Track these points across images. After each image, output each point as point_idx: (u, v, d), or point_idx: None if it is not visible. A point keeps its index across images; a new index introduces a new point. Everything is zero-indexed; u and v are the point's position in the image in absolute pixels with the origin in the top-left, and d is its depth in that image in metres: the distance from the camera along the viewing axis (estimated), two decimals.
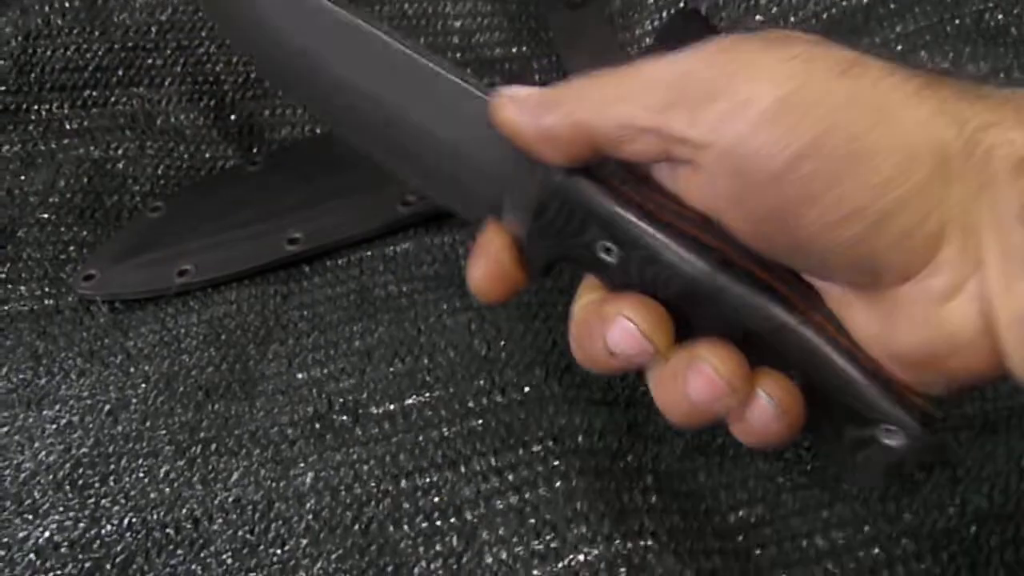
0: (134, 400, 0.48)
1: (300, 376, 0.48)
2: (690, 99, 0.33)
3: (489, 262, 0.40)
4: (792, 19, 0.62)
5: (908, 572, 0.40)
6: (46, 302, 0.54)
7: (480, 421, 0.45)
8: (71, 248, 0.56)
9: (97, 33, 0.61)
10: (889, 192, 0.30)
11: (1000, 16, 0.57)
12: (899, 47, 0.57)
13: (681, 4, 0.65)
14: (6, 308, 0.54)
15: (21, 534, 0.43)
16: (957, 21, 0.57)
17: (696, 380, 0.35)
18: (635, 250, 0.37)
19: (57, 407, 0.48)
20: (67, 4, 0.61)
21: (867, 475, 0.35)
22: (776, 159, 0.31)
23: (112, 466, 0.45)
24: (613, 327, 0.36)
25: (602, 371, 0.39)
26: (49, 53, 0.61)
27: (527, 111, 0.37)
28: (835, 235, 0.32)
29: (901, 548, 0.40)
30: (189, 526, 0.43)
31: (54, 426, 0.48)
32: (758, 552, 0.40)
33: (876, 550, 0.40)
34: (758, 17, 0.63)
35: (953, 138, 0.30)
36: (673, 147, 0.34)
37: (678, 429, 0.40)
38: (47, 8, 0.61)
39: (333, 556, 0.41)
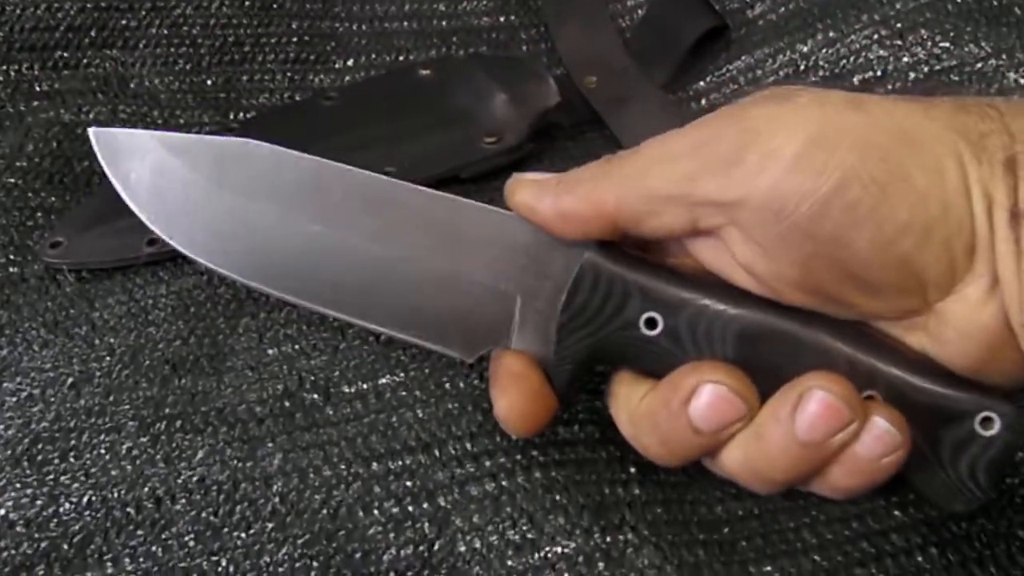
0: (98, 373, 0.46)
1: (271, 352, 0.46)
2: (716, 163, 0.34)
3: (515, 389, 0.38)
4: None
5: (897, 566, 0.38)
6: (11, 270, 0.52)
7: (457, 404, 0.43)
8: (38, 215, 0.54)
9: None
10: (928, 204, 0.33)
11: None
12: (898, 24, 0.55)
13: None
14: None
15: None
16: None
17: (811, 409, 0.34)
18: (682, 311, 0.36)
19: (18, 379, 0.47)
20: None
21: (973, 484, 0.35)
22: (819, 192, 0.33)
23: (73, 442, 0.44)
24: (697, 398, 0.35)
25: (678, 459, 0.37)
26: (19, 12, 0.58)
27: (545, 192, 0.38)
28: (887, 255, 0.33)
29: (890, 543, 0.39)
30: (151, 505, 0.41)
31: (14, 399, 0.46)
32: (743, 544, 0.39)
33: (864, 544, 0.39)
34: None
35: (965, 149, 0.33)
36: (702, 215, 0.35)
37: (771, 493, 0.38)
38: None
39: (299, 541, 0.39)
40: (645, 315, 0.37)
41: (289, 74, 0.61)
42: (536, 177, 0.39)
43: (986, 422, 0.34)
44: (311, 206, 0.41)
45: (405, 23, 0.64)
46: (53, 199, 0.55)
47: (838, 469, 0.35)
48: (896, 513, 0.40)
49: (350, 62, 0.62)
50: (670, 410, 0.36)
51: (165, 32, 0.60)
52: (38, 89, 0.59)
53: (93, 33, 0.60)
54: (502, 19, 0.64)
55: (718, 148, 0.34)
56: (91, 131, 0.46)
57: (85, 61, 0.59)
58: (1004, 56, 0.53)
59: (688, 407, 0.35)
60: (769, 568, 0.38)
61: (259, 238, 0.42)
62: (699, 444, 0.36)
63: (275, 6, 0.62)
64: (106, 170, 0.45)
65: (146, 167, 0.44)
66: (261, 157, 0.42)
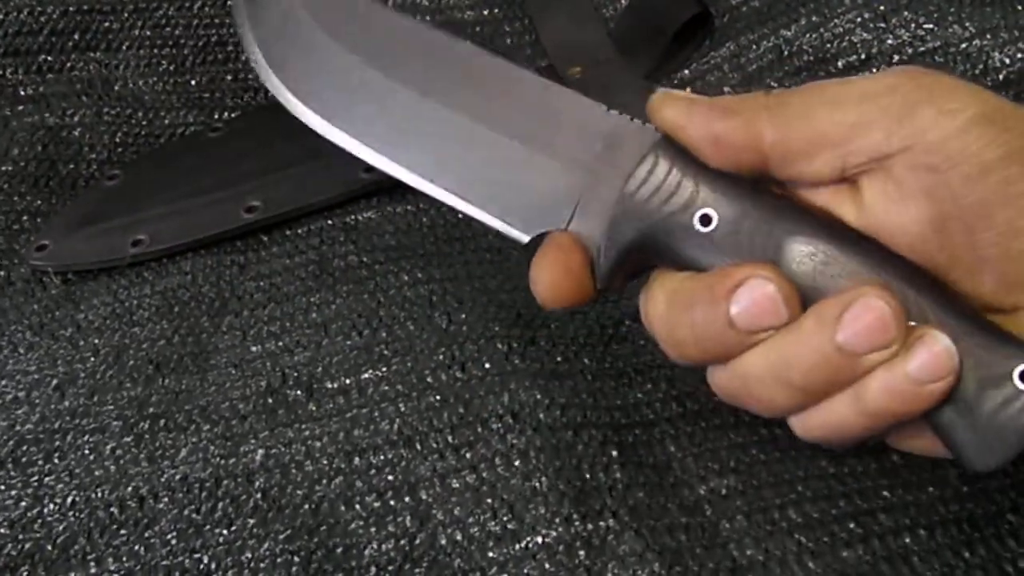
0: (82, 374, 0.46)
1: (254, 349, 0.46)
2: (887, 114, 0.34)
3: (559, 264, 0.38)
4: None
5: (885, 547, 0.38)
6: None
7: (438, 397, 0.43)
8: (24, 218, 0.55)
9: None
10: None
11: None
12: (881, 7, 0.55)
13: None
14: None
15: None
16: None
17: (859, 314, 0.33)
18: (740, 213, 0.36)
19: (3, 382, 0.47)
20: None
21: (1003, 438, 0.34)
22: (983, 157, 0.33)
23: (57, 443, 0.44)
24: (742, 291, 0.35)
25: (701, 354, 0.37)
26: (2, 17, 0.59)
27: (698, 113, 0.37)
28: (1017, 242, 0.33)
29: (878, 523, 0.38)
30: (134, 505, 0.41)
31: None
32: (726, 525, 0.38)
33: (852, 524, 0.38)
34: None
35: None
36: (854, 163, 0.35)
37: (784, 409, 0.37)
38: None
39: (281, 536, 0.39)
40: (702, 211, 0.36)
41: None
42: (686, 95, 0.38)
43: None
44: (415, 69, 0.42)
45: None
46: (39, 202, 0.55)
47: (877, 385, 0.34)
48: (885, 493, 0.39)
49: None
50: (712, 298, 0.35)
51: (148, 34, 0.60)
52: (23, 93, 0.59)
53: (76, 36, 0.60)
54: (486, 12, 0.64)
55: (891, 99, 0.34)
56: None
57: (69, 64, 0.60)
58: (988, 36, 0.53)
59: (731, 298, 0.35)
60: (752, 551, 0.37)
61: (358, 91, 0.43)
62: (729, 341, 0.36)
63: None
64: (237, 15, 0.46)
65: (277, 12, 0.45)
66: (377, 18, 0.44)
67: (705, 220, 0.36)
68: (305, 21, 0.44)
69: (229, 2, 0.61)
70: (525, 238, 0.40)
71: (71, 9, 0.59)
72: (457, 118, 0.41)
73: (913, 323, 0.34)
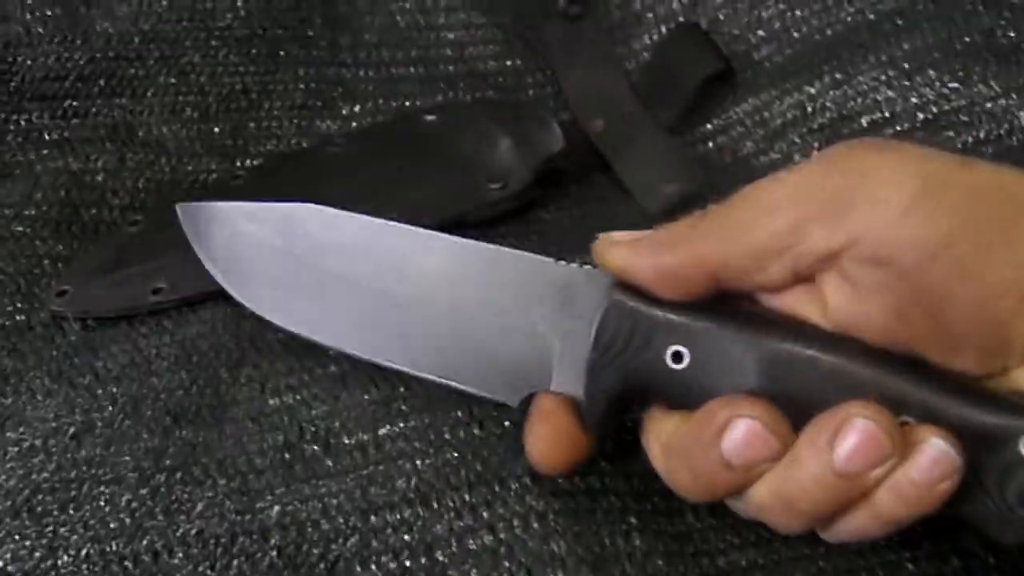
0: (99, 423, 0.46)
1: (272, 402, 0.46)
2: (822, 210, 0.34)
3: (549, 429, 0.39)
4: (795, 34, 0.60)
5: None
6: (18, 318, 0.52)
7: (456, 454, 0.42)
8: (46, 263, 0.55)
9: (79, 42, 0.60)
10: None
11: (1012, 33, 0.55)
12: (906, 65, 0.55)
13: (680, 19, 0.63)
14: None
15: None
16: (967, 39, 0.55)
17: (851, 439, 0.33)
18: (707, 343, 0.36)
19: (20, 429, 0.47)
20: (48, 12, 0.59)
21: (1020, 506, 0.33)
22: (928, 243, 0.33)
23: (73, 493, 0.43)
24: (730, 433, 0.34)
25: (708, 494, 0.37)
26: (29, 62, 0.59)
27: (642, 251, 0.37)
28: (984, 313, 0.33)
29: None
30: (148, 559, 0.41)
31: (16, 449, 0.46)
32: None
33: None
34: (760, 32, 0.61)
35: None
36: (805, 264, 0.35)
37: (798, 530, 0.37)
38: (28, 16, 0.59)
39: None
40: (671, 349, 0.37)
41: (296, 120, 0.61)
42: (626, 237, 0.38)
43: None
44: (366, 264, 0.43)
45: (412, 68, 0.64)
46: (60, 247, 0.55)
47: (887, 496, 0.34)
48: (909, 566, 0.39)
49: (356, 108, 0.62)
50: (702, 444, 0.35)
51: (173, 81, 0.61)
52: (47, 138, 0.59)
53: (102, 82, 0.60)
54: (508, 63, 0.64)
55: (823, 194, 0.34)
56: (177, 207, 0.49)
57: (94, 110, 0.60)
58: (1014, 95, 0.52)
59: (721, 441, 0.35)
60: None
61: (320, 296, 0.44)
62: (730, 480, 0.35)
63: (281, 53, 0.63)
64: (190, 240, 0.48)
65: (224, 233, 0.47)
66: (324, 219, 0.45)
67: (677, 357, 0.37)
68: (253, 236, 0.46)
69: (253, 50, 0.62)
70: (515, 403, 0.41)
71: (97, 56, 0.60)
72: (420, 304, 0.42)
73: (908, 419, 0.34)
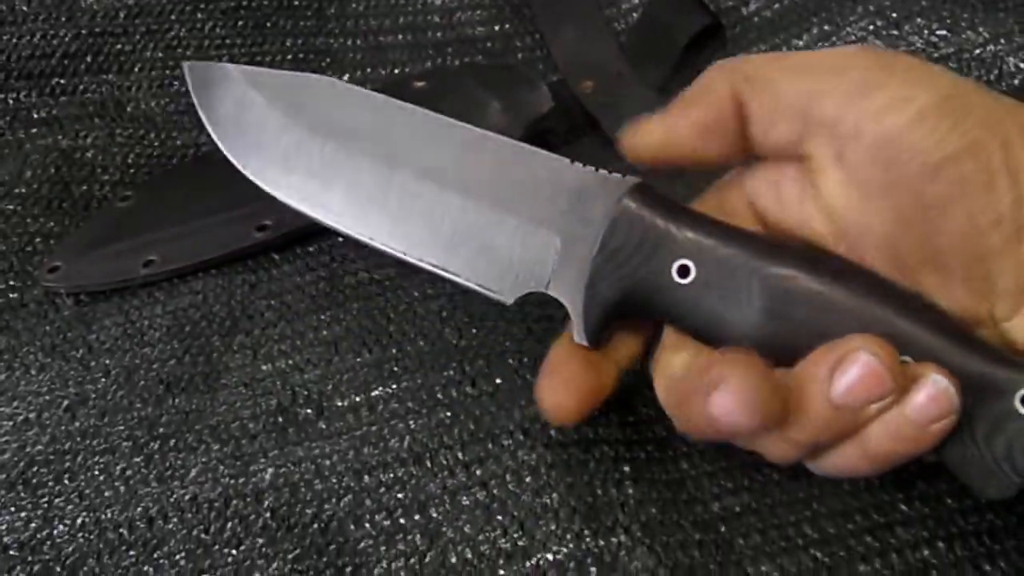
0: (93, 395, 0.46)
1: (265, 368, 0.46)
2: (843, 88, 0.34)
3: (562, 379, 0.38)
4: None
5: (902, 562, 0.37)
6: (11, 295, 0.52)
7: (448, 413, 0.42)
8: (37, 240, 0.55)
9: (64, 19, 0.60)
10: None
11: None
12: (894, 14, 0.54)
13: None
14: None
15: None
16: None
17: (852, 372, 0.32)
18: (716, 260, 0.36)
19: (15, 403, 0.47)
20: None
21: (1009, 467, 0.33)
22: (935, 153, 0.32)
23: (67, 464, 0.44)
24: (719, 393, 0.33)
25: (707, 438, 0.37)
26: (15, 40, 0.59)
27: (672, 111, 0.38)
28: (973, 243, 0.33)
29: (895, 537, 0.38)
30: (143, 525, 0.41)
31: (10, 423, 0.46)
32: (741, 542, 0.38)
33: (868, 538, 0.38)
34: None
35: None
36: (813, 135, 0.35)
37: (793, 459, 0.37)
38: None
39: (290, 556, 0.39)
40: (678, 262, 0.36)
41: None
42: (648, 119, 0.39)
43: None
44: (374, 142, 0.42)
45: (400, 36, 0.63)
46: (52, 224, 0.55)
47: (880, 431, 0.33)
48: (902, 507, 0.39)
49: (345, 77, 0.62)
50: (697, 396, 0.34)
51: (160, 55, 0.60)
52: (36, 116, 0.59)
53: (89, 59, 0.60)
54: (497, 28, 0.63)
55: (850, 75, 0.34)
56: (184, 64, 0.48)
57: (82, 87, 0.60)
58: (1003, 40, 0.52)
59: (711, 402, 0.33)
60: (767, 567, 0.37)
61: (323, 170, 0.43)
62: (717, 432, 0.35)
63: (269, 25, 0.62)
64: (195, 100, 0.47)
65: (230, 98, 0.46)
66: (333, 93, 0.44)
67: (683, 271, 0.36)
68: (259, 103, 0.45)
69: (240, 22, 0.61)
70: (510, 301, 0.39)
71: (83, 32, 0.60)
72: (425, 187, 0.41)
73: (908, 359, 0.33)
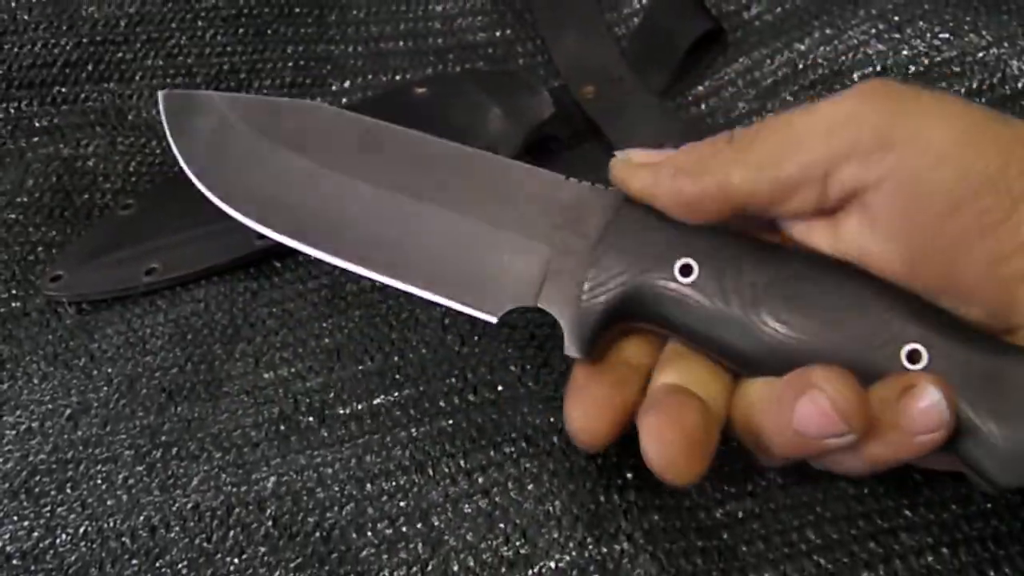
0: (95, 404, 0.46)
1: (267, 376, 0.46)
2: (858, 149, 0.33)
3: (591, 396, 0.37)
4: None
5: (906, 567, 0.37)
6: (13, 304, 0.52)
7: (451, 421, 0.42)
8: (39, 249, 0.55)
9: (65, 28, 0.59)
10: None
11: None
12: (896, 18, 0.54)
13: None
14: None
15: None
16: None
17: (806, 408, 0.33)
18: (720, 258, 0.35)
19: (18, 412, 0.47)
20: None
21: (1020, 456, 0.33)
22: (956, 191, 0.32)
23: (70, 473, 0.44)
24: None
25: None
26: (16, 50, 0.59)
27: (665, 178, 0.36)
28: (996, 271, 0.33)
29: (899, 543, 0.38)
30: (145, 534, 0.41)
31: (13, 432, 0.46)
32: (744, 549, 0.38)
33: (872, 544, 0.38)
34: None
35: None
36: (832, 196, 0.34)
37: (776, 466, 0.38)
38: (13, 3, 0.59)
39: (292, 565, 0.39)
40: (681, 262, 0.36)
41: (286, 97, 0.61)
42: (646, 158, 0.37)
43: None
44: (356, 164, 0.42)
45: (400, 43, 0.63)
46: (54, 233, 0.55)
47: (873, 440, 0.33)
48: (906, 512, 0.39)
49: (347, 84, 0.62)
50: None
51: (161, 63, 0.60)
52: (37, 125, 0.59)
53: (90, 67, 0.60)
54: (498, 34, 0.63)
55: (859, 131, 0.33)
56: (160, 94, 0.47)
57: (83, 96, 0.60)
58: (1006, 44, 0.52)
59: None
60: (770, 574, 0.37)
61: (304, 195, 0.42)
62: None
63: (270, 32, 0.62)
64: (167, 130, 0.46)
65: (209, 126, 0.45)
66: (319, 117, 0.43)
67: (686, 271, 0.36)
68: (241, 131, 0.44)
69: (240, 29, 0.61)
70: (494, 319, 0.39)
71: (84, 41, 0.60)
72: (413, 207, 0.40)
73: (916, 346, 0.33)
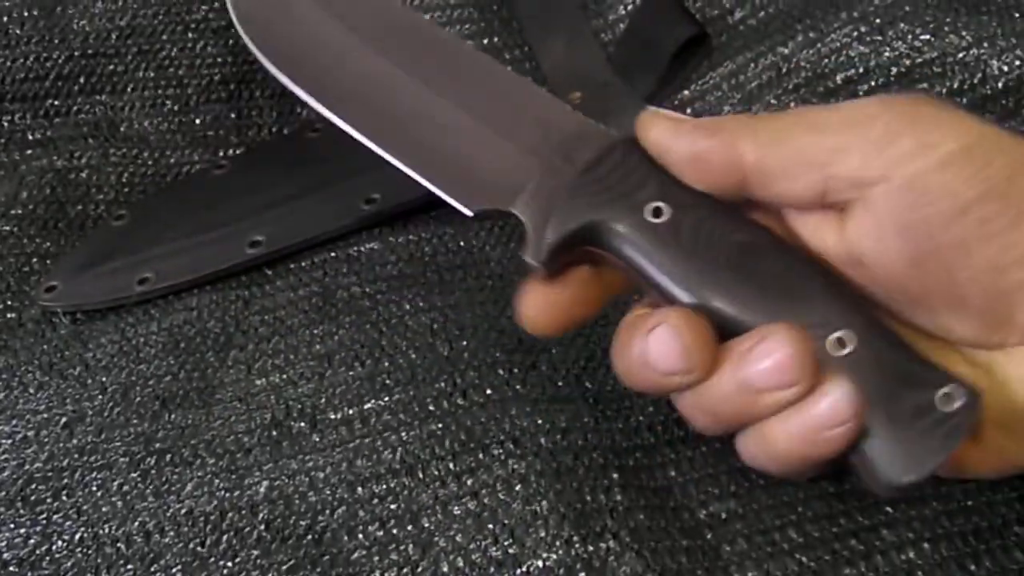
0: (90, 412, 0.47)
1: (259, 382, 0.47)
2: (867, 141, 0.34)
3: (542, 301, 0.39)
4: None
5: (888, 562, 0.38)
6: (8, 315, 0.53)
7: (440, 424, 0.43)
8: (34, 260, 0.55)
9: (56, 41, 0.60)
10: None
11: None
12: (877, 20, 0.55)
13: None
14: None
15: None
16: None
17: (763, 353, 0.34)
18: (692, 208, 0.37)
19: (14, 422, 0.47)
20: (25, 13, 0.60)
21: (918, 455, 0.33)
22: (961, 196, 0.33)
23: (65, 480, 0.44)
24: (655, 334, 0.35)
25: (639, 387, 0.37)
26: (8, 63, 0.60)
27: (683, 132, 0.37)
28: (996, 280, 0.33)
29: (880, 539, 0.38)
30: (140, 540, 0.41)
31: (9, 441, 0.46)
32: (727, 548, 0.38)
33: (853, 541, 0.38)
34: None
35: None
36: (834, 187, 0.35)
37: (710, 432, 0.38)
38: (4, 18, 0.59)
39: (284, 567, 0.39)
40: (653, 203, 0.37)
41: (276, 109, 0.62)
42: (672, 115, 0.38)
43: (946, 398, 0.33)
44: (384, 41, 0.43)
45: None
46: (48, 244, 0.56)
47: (778, 426, 0.34)
48: (887, 509, 0.39)
49: None
50: (631, 336, 0.36)
51: (152, 75, 0.61)
52: (31, 138, 0.60)
53: (82, 80, 0.61)
54: (485, 41, 0.64)
55: (872, 127, 0.34)
56: None
57: (76, 108, 0.61)
58: (986, 44, 0.52)
59: (646, 341, 0.35)
60: (753, 573, 0.37)
61: (332, 59, 0.44)
62: (651, 380, 0.36)
63: None
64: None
65: None
66: None
67: (657, 212, 0.37)
68: None
69: (231, 41, 0.62)
70: (470, 212, 0.40)
71: (76, 54, 0.60)
72: (425, 90, 0.42)
73: (841, 334, 0.34)
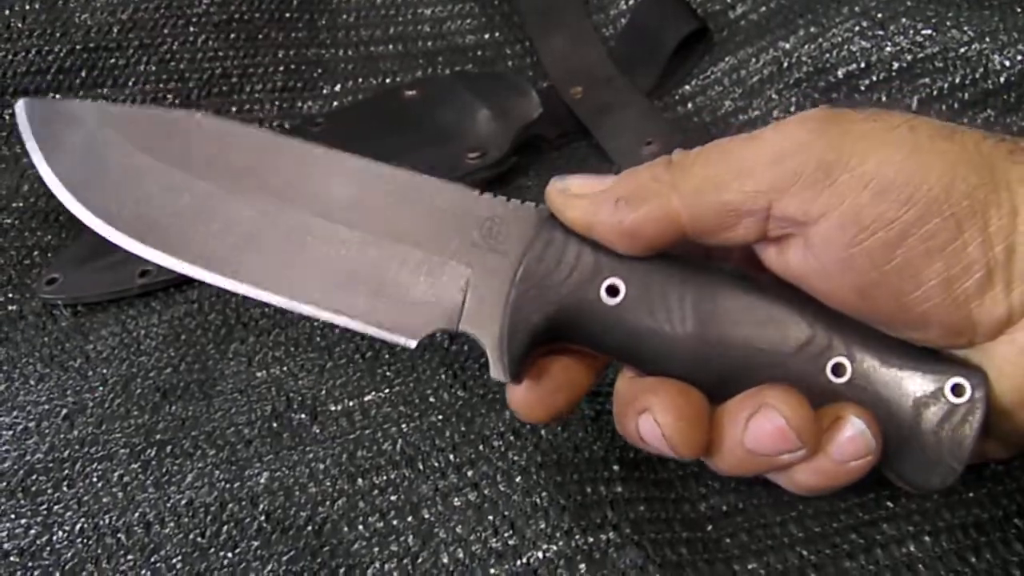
0: (91, 404, 0.47)
1: (259, 375, 0.47)
2: (803, 178, 0.33)
3: (527, 402, 0.38)
4: None
5: (888, 556, 0.38)
6: (10, 308, 0.53)
7: (440, 416, 0.43)
8: (35, 253, 0.55)
9: (58, 35, 0.60)
10: (998, 243, 0.32)
11: None
12: (879, 15, 0.55)
13: None
14: None
15: None
16: None
17: (760, 426, 0.34)
18: (645, 277, 0.35)
19: (15, 413, 0.47)
20: (27, 7, 0.60)
21: (948, 454, 0.33)
22: (899, 223, 0.32)
23: (66, 471, 0.44)
24: (642, 421, 0.35)
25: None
26: (11, 57, 0.60)
27: (603, 207, 0.35)
28: (949, 292, 0.32)
29: (881, 533, 0.38)
30: (140, 530, 0.41)
31: (10, 432, 0.46)
32: (728, 541, 0.38)
33: (853, 535, 0.38)
34: None
35: None
36: (775, 226, 0.34)
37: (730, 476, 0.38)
38: (7, 11, 0.60)
39: (284, 558, 0.39)
40: (607, 282, 0.35)
41: (277, 103, 0.62)
42: (585, 187, 0.36)
43: (957, 388, 0.33)
44: (256, 179, 0.39)
45: (390, 46, 0.64)
46: (49, 237, 0.56)
47: (803, 467, 0.35)
48: (888, 503, 0.39)
49: (337, 87, 0.62)
50: (626, 410, 0.36)
51: (153, 69, 0.61)
52: None
53: (83, 74, 0.61)
54: (487, 36, 0.64)
55: (803, 162, 0.33)
56: (19, 103, 0.42)
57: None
58: (988, 39, 0.52)
59: (640, 422, 0.35)
60: (754, 565, 0.37)
61: (195, 214, 0.39)
62: (648, 449, 0.36)
63: (260, 37, 0.63)
64: (29, 143, 0.42)
65: (79, 138, 0.41)
66: (205, 129, 0.40)
67: (612, 291, 0.35)
68: (117, 143, 0.40)
69: (232, 35, 0.62)
70: (413, 343, 0.37)
71: (78, 47, 0.60)
72: (316, 224, 0.38)
73: (841, 359, 0.34)
